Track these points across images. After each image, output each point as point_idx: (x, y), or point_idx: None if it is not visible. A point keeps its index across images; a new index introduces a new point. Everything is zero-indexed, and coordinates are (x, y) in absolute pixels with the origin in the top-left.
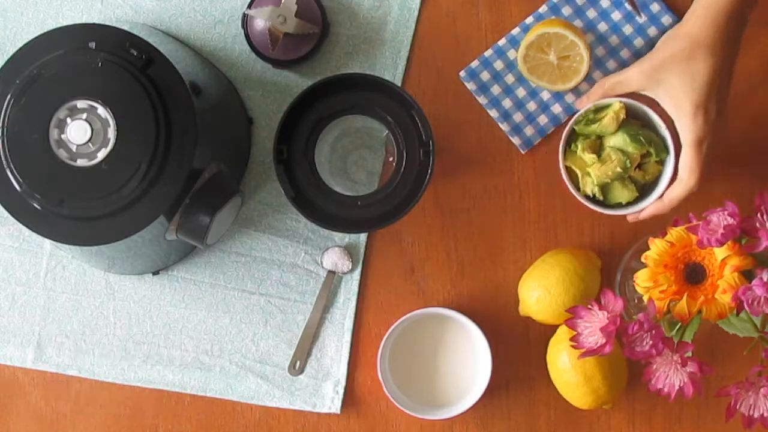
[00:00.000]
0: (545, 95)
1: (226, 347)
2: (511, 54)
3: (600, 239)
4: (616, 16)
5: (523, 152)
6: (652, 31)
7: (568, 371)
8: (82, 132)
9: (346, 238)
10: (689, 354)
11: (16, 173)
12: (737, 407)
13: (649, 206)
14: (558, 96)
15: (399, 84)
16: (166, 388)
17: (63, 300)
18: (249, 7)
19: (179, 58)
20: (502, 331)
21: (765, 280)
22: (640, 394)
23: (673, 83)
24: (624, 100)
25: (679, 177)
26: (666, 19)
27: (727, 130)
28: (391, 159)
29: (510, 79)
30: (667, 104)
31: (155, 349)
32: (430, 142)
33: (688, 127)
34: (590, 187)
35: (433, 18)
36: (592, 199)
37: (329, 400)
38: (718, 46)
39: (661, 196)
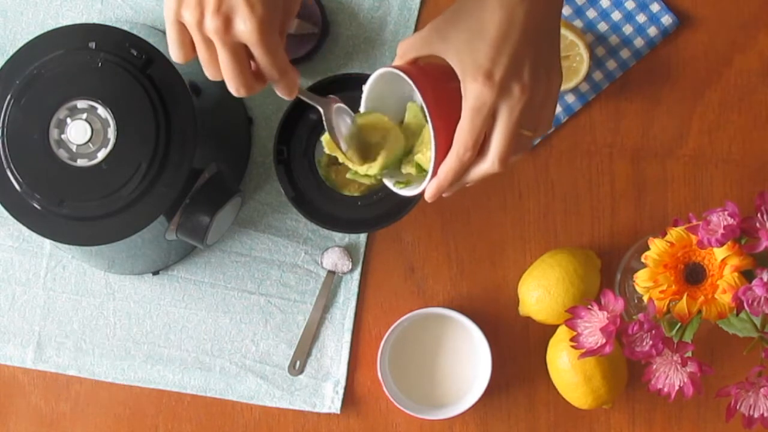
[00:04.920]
0: None
1: (226, 347)
2: None
3: (600, 239)
4: (616, 16)
5: None
6: (652, 31)
7: (568, 371)
8: (82, 132)
9: (346, 238)
10: (689, 354)
11: (16, 173)
12: (737, 407)
13: (429, 185)
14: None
15: None
16: (166, 388)
17: (63, 300)
18: None
19: None
20: (502, 331)
21: (765, 280)
22: (640, 394)
23: (460, 39)
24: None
25: (453, 145)
26: (666, 19)
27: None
28: None
29: None
30: (455, 65)
31: (155, 349)
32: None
33: (466, 90)
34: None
35: (433, 18)
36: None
37: (329, 400)
38: None
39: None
